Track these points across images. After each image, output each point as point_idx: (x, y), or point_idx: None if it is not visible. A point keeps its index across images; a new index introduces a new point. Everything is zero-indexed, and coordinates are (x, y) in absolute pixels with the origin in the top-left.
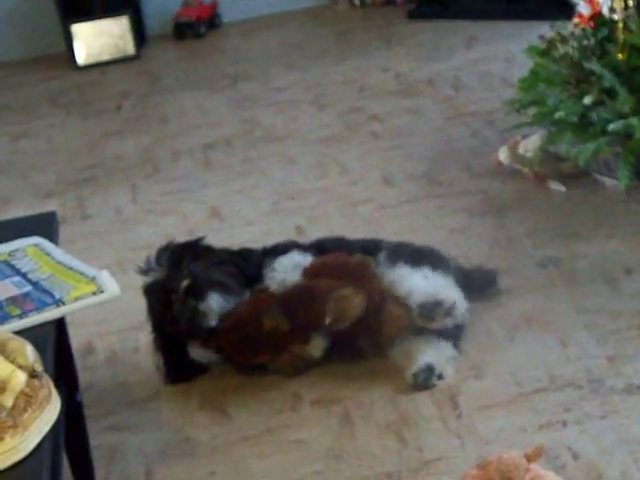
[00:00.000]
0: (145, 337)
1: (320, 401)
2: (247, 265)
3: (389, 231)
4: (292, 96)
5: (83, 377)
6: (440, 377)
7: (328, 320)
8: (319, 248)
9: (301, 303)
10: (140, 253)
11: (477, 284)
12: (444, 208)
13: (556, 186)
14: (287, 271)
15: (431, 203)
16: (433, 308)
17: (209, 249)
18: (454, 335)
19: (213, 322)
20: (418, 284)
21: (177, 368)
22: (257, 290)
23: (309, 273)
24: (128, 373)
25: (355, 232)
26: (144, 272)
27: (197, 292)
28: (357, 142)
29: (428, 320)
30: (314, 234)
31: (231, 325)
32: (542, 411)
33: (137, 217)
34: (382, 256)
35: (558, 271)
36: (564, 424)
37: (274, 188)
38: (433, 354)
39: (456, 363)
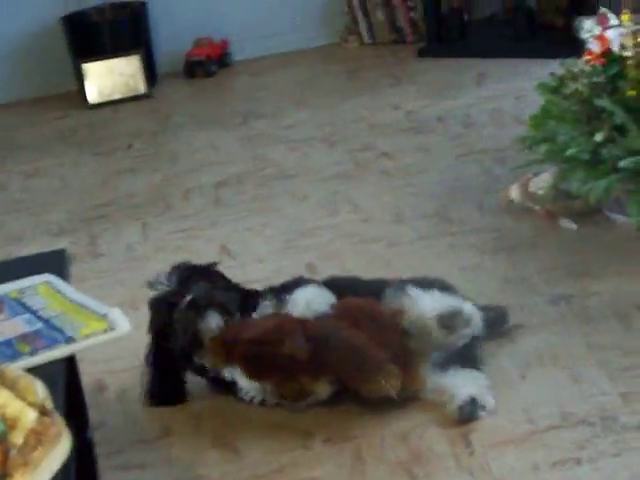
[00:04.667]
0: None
1: (331, 439)
2: (250, 297)
3: (400, 269)
4: (303, 133)
5: (94, 415)
6: (484, 408)
7: (366, 390)
8: (330, 286)
9: (334, 351)
10: (149, 291)
11: (488, 321)
12: (455, 246)
13: (567, 224)
14: (308, 303)
15: (442, 241)
16: (453, 317)
17: (218, 274)
18: (476, 361)
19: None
20: (431, 301)
21: (165, 389)
22: (282, 314)
23: (341, 312)
24: (139, 411)
25: (366, 270)
26: (151, 286)
27: (198, 308)
28: (368, 179)
29: (449, 331)
30: (325, 272)
31: (251, 337)
32: (555, 449)
33: (148, 255)
34: (390, 290)
35: (570, 308)
36: (578, 462)
37: (285, 225)
38: (471, 385)
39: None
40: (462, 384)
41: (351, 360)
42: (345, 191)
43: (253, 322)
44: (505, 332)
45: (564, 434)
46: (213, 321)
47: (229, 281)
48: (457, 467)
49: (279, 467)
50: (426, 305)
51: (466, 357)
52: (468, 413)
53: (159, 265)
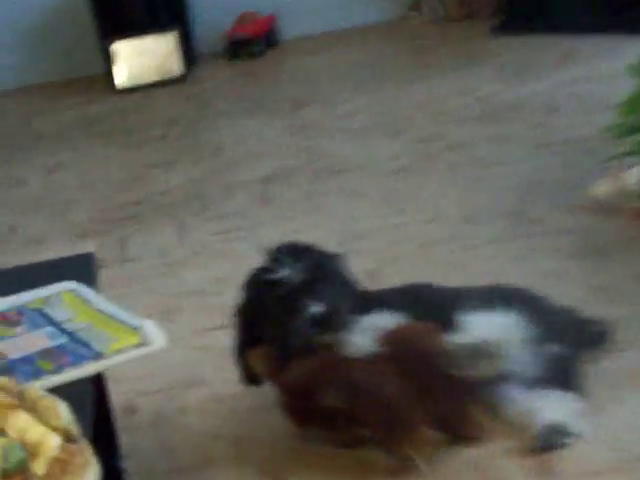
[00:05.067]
0: (192, 395)
1: (393, 468)
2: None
3: (472, 276)
4: (360, 123)
5: (125, 441)
6: (570, 436)
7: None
8: (408, 296)
9: (371, 407)
10: (187, 300)
11: (586, 337)
12: (536, 249)
13: None
14: (368, 337)
15: (520, 243)
16: (471, 353)
17: (344, 275)
18: (570, 381)
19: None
20: (482, 324)
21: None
22: (325, 354)
23: (392, 351)
24: (175, 437)
25: (433, 277)
26: (271, 265)
27: (324, 325)
28: (434, 174)
29: (468, 367)
30: (387, 279)
31: (286, 387)
32: None
33: (184, 260)
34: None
35: None
36: None
37: (339, 226)
38: (558, 409)
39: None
40: (547, 407)
41: (383, 420)
42: (408, 187)
43: (290, 368)
44: (601, 351)
45: None
46: (333, 341)
47: (356, 287)
48: None
49: None
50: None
51: (558, 376)
52: (549, 441)
53: (197, 272)
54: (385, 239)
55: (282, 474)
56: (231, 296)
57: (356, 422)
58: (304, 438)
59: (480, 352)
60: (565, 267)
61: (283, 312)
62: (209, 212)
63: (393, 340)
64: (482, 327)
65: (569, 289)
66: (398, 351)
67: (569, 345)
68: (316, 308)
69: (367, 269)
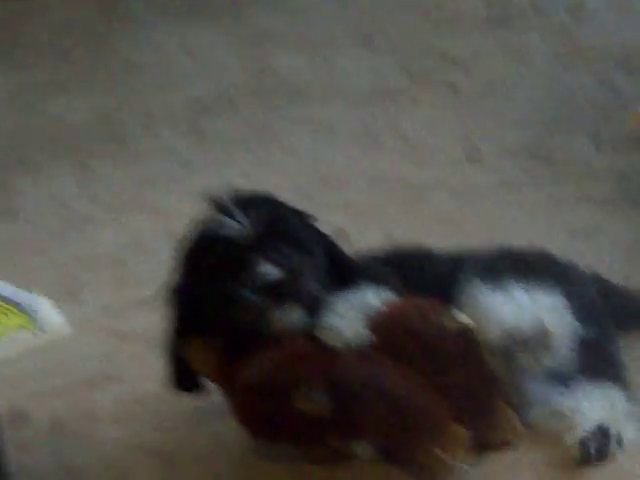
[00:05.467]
0: (104, 396)
1: None
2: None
3: (475, 234)
4: (328, 30)
5: (14, 457)
6: (620, 442)
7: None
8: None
9: (370, 408)
10: (97, 271)
11: (629, 315)
12: (560, 198)
13: None
14: (351, 320)
15: (539, 190)
16: (514, 343)
17: (315, 232)
18: (615, 372)
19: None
20: (497, 308)
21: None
22: (298, 341)
23: (384, 338)
24: (80, 450)
25: (425, 236)
26: (216, 213)
27: (282, 295)
28: (426, 100)
29: (513, 361)
30: (362, 240)
31: (244, 386)
32: None
33: (93, 215)
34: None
35: None
36: None
37: (301, 171)
38: (603, 408)
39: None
40: (589, 406)
41: (394, 421)
42: (391, 118)
43: (255, 362)
44: None
45: None
46: (296, 319)
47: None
48: None
49: None
50: (505, 314)
51: (600, 366)
52: (595, 450)
53: (109, 233)
54: (360, 187)
55: None
56: (156, 265)
57: (343, 431)
58: (262, 453)
59: (532, 342)
60: (599, 222)
61: (228, 280)
62: (124, 153)
63: (389, 324)
64: (523, 308)
65: (604, 251)
66: (397, 338)
67: (607, 327)
68: (270, 272)
69: (337, 226)
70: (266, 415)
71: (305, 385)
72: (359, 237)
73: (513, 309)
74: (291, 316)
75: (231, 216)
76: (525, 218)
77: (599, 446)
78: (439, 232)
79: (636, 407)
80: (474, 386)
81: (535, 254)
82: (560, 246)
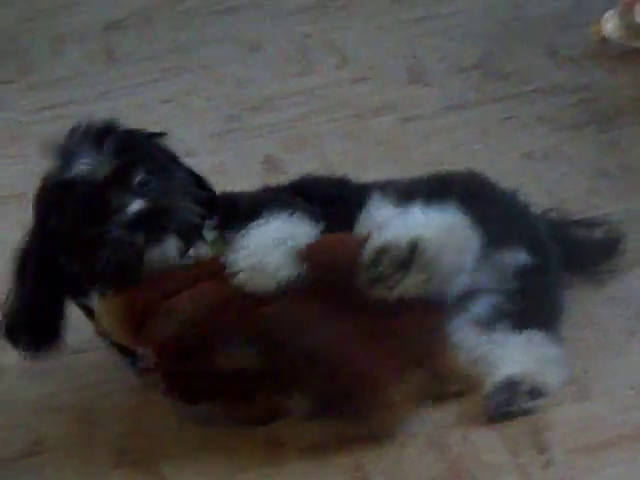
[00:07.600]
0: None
1: (314, 450)
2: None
3: (421, 160)
4: None
5: None
6: (539, 395)
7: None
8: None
9: (302, 362)
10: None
11: (588, 248)
12: (513, 117)
13: None
14: (266, 254)
15: (491, 110)
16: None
17: (170, 157)
18: (546, 316)
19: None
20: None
21: (37, 320)
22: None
23: (309, 279)
24: None
25: (363, 165)
26: (57, 156)
27: (153, 227)
28: (364, 11)
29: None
30: (295, 169)
31: (165, 344)
32: None
33: None
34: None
35: None
36: None
37: (225, 93)
38: (520, 357)
39: (561, 370)
40: (508, 355)
41: (330, 371)
42: (325, 31)
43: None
44: (608, 269)
45: None
46: (173, 250)
47: (192, 173)
48: None
49: None
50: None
51: (530, 310)
52: (503, 404)
53: (14, 165)
54: (292, 110)
55: (155, 462)
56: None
57: (273, 386)
58: (188, 415)
59: (399, 256)
60: (555, 143)
61: (90, 224)
62: (28, 77)
63: (313, 262)
64: (399, 224)
65: (560, 175)
66: (328, 274)
67: (548, 261)
68: (136, 204)
69: (267, 154)
70: (187, 377)
71: (226, 338)
72: (292, 165)
73: (397, 226)
74: (171, 249)
75: (76, 156)
76: (476, 141)
77: (507, 399)
78: (381, 159)
79: (561, 350)
80: (412, 330)
81: (465, 180)
82: (514, 169)
